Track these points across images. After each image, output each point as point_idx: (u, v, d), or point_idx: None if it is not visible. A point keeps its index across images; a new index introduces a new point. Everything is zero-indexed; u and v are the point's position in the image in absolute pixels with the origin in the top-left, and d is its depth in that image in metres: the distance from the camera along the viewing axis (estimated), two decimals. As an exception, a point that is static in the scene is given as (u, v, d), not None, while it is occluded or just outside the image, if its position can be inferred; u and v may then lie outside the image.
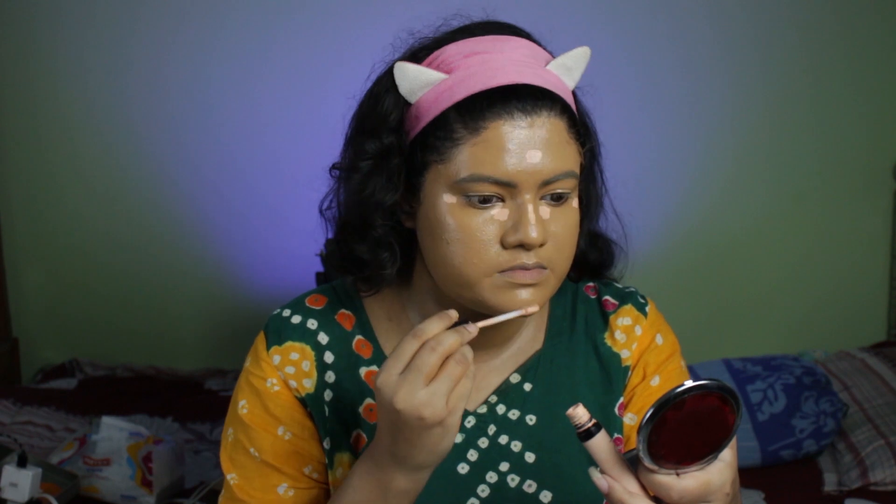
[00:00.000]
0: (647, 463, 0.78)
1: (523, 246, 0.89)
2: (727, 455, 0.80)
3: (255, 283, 3.15)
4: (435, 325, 0.84)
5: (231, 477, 1.01)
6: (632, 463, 0.81)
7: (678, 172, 3.01)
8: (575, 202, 0.93)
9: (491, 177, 0.88)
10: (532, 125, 0.88)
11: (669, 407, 0.76)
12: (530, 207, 0.89)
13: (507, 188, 0.89)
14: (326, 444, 1.01)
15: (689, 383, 0.75)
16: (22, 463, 1.87)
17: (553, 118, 0.89)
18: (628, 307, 1.07)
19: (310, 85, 2.98)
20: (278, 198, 3.06)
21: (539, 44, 0.96)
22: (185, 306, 3.23)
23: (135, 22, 3.05)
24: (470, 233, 0.89)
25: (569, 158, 0.91)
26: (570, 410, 0.81)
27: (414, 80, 0.91)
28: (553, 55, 0.95)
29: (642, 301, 1.09)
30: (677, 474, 0.79)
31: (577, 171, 0.93)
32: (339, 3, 2.98)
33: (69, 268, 3.25)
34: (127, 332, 3.22)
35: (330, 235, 1.03)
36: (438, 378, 0.82)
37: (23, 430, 2.54)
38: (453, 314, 0.85)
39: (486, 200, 0.89)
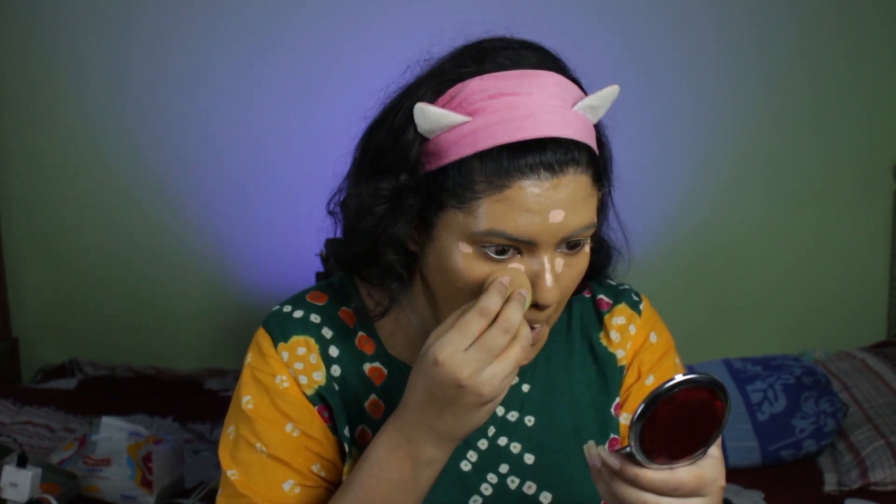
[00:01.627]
0: (640, 459, 0.78)
1: (537, 305, 0.88)
2: (715, 451, 0.81)
3: (254, 283, 3.15)
4: (497, 300, 0.84)
5: (231, 473, 0.99)
6: (625, 459, 0.81)
7: (678, 173, 3.01)
8: (587, 246, 0.92)
9: (511, 234, 0.86)
10: (557, 185, 0.85)
11: (660, 402, 0.76)
12: (548, 267, 0.87)
13: (525, 244, 0.87)
14: (347, 432, 1.00)
15: (679, 377, 0.76)
16: (22, 463, 1.87)
17: (579, 174, 0.87)
18: (622, 306, 1.07)
19: (308, 87, 2.99)
20: (278, 197, 3.06)
21: (565, 71, 0.92)
22: (185, 306, 3.23)
23: (134, 26, 3.05)
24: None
25: (591, 212, 0.89)
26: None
27: (434, 122, 0.88)
28: (579, 82, 0.92)
29: (636, 299, 1.08)
30: (671, 469, 0.79)
31: (596, 218, 0.91)
32: (337, 13, 2.98)
33: (69, 268, 3.25)
34: (127, 333, 3.22)
35: (330, 235, 1.03)
36: (504, 359, 0.83)
37: (23, 430, 2.54)
38: (506, 280, 0.86)
39: (502, 252, 0.87)
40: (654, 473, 0.79)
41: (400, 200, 0.91)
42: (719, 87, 2.97)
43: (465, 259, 0.88)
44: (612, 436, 1.04)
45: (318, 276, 2.73)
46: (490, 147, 0.85)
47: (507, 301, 0.85)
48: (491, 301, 0.84)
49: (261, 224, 3.12)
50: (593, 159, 0.89)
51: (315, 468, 0.99)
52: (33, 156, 3.20)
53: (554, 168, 0.85)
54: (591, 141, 0.89)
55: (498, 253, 0.87)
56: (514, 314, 0.83)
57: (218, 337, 3.21)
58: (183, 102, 3.09)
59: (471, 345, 0.83)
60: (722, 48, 2.95)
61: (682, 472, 0.79)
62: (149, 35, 3.05)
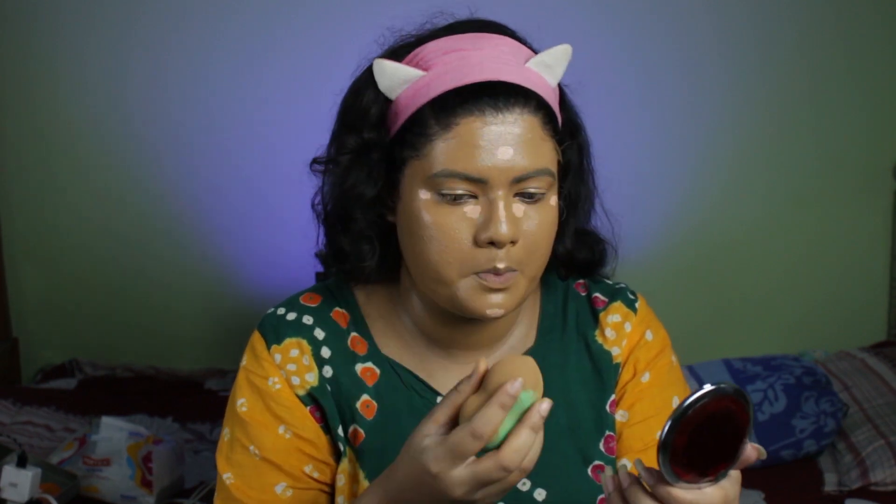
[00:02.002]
0: (669, 478, 0.78)
1: (494, 243, 0.90)
2: (733, 471, 0.81)
3: (254, 283, 3.15)
4: (494, 423, 0.76)
5: (227, 476, 1.00)
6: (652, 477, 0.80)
7: (678, 172, 3.01)
8: (553, 200, 0.94)
9: (462, 172, 0.89)
10: (503, 122, 0.89)
11: (690, 416, 0.75)
12: (501, 204, 0.89)
13: (478, 184, 0.89)
14: (341, 432, 1.01)
15: (707, 387, 0.75)
16: (22, 463, 1.87)
17: (526, 115, 0.90)
18: (618, 304, 1.07)
19: (309, 86, 2.97)
20: (278, 197, 3.06)
21: (523, 41, 0.96)
22: (185, 306, 3.23)
23: (134, 22, 3.05)
24: (444, 230, 0.90)
25: (543, 156, 0.91)
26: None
27: (392, 76, 0.93)
28: (537, 52, 0.95)
29: (632, 297, 1.09)
30: (699, 488, 0.79)
31: (554, 168, 0.93)
32: (337, 12, 2.98)
33: (69, 268, 3.25)
34: (127, 333, 3.22)
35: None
36: (489, 488, 0.79)
37: (23, 430, 2.54)
38: (513, 390, 0.76)
39: (458, 197, 0.90)
40: (685, 493, 0.78)
41: (363, 155, 0.95)
42: (719, 87, 2.97)
43: (425, 205, 0.91)
44: (607, 433, 1.04)
45: (318, 276, 2.73)
46: (440, 93, 0.89)
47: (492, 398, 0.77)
48: (487, 426, 0.76)
49: (261, 224, 3.12)
50: (545, 108, 0.92)
51: (307, 469, 1.00)
52: (33, 156, 3.20)
53: (499, 105, 0.89)
54: (542, 92, 0.92)
55: (455, 198, 0.90)
56: (517, 454, 0.76)
57: (218, 337, 3.21)
58: (183, 102, 3.09)
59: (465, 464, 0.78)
60: (722, 48, 2.95)
61: (710, 491, 0.79)
62: (149, 35, 3.05)
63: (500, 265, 0.90)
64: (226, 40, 3.02)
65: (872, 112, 2.99)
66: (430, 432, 0.81)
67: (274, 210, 3.08)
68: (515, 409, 0.76)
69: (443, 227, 0.90)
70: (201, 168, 3.12)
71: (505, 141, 0.89)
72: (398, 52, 0.96)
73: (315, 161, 1.01)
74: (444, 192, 0.90)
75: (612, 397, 1.05)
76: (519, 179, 0.90)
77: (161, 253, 3.18)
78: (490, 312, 0.92)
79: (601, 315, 1.07)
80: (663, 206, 2.99)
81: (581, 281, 1.09)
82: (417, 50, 0.94)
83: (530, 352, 1.04)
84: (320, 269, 2.86)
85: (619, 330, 1.06)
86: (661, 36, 2.95)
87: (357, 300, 1.05)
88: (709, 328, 3.03)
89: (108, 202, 3.18)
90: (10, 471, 1.85)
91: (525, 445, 0.76)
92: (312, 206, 1.03)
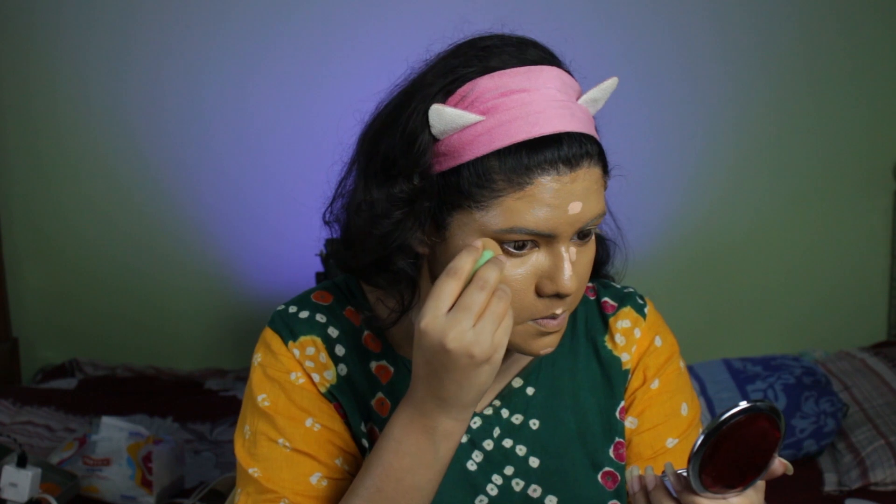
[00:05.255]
0: (696, 487, 0.79)
1: (558, 295, 0.89)
2: (759, 482, 0.82)
3: (254, 284, 3.16)
4: (467, 261, 0.84)
5: (253, 471, 0.98)
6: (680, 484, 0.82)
7: (678, 172, 3.02)
8: (595, 233, 0.93)
9: (532, 229, 0.86)
10: (575, 179, 0.87)
11: (723, 431, 0.76)
12: (566, 257, 0.88)
13: (544, 237, 0.88)
14: (364, 428, 1.00)
15: (743, 404, 0.77)
16: (22, 463, 1.87)
17: (592, 167, 0.88)
18: (627, 309, 1.07)
19: (308, 86, 2.99)
20: (278, 197, 3.06)
21: (561, 63, 0.93)
22: (186, 306, 3.23)
23: (134, 26, 3.05)
24: (505, 282, 0.88)
25: (602, 200, 0.90)
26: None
27: (450, 123, 0.87)
28: (571, 73, 0.93)
29: (641, 302, 1.08)
30: (724, 499, 0.80)
31: (605, 207, 0.92)
32: (335, 13, 2.98)
33: (69, 268, 3.25)
34: (127, 333, 3.22)
35: (329, 236, 1.03)
36: (484, 316, 0.82)
37: (23, 430, 2.54)
38: (478, 244, 0.85)
39: (521, 247, 0.88)
40: (711, 502, 0.80)
41: (415, 204, 0.90)
42: (719, 87, 2.97)
43: None
44: (616, 439, 1.04)
45: (318, 276, 2.73)
46: (507, 145, 0.86)
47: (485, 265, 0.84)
48: (460, 262, 0.84)
49: (261, 224, 3.12)
50: (601, 151, 0.90)
51: (338, 461, 0.99)
52: (33, 156, 3.20)
53: (571, 162, 0.86)
54: (595, 133, 0.90)
55: (517, 248, 0.88)
56: (489, 272, 0.83)
57: (218, 337, 3.21)
58: (183, 102, 3.09)
59: (450, 308, 0.83)
60: (722, 48, 2.96)
61: (735, 501, 0.80)
62: (149, 35, 3.05)
63: (559, 311, 0.90)
64: (226, 42, 3.02)
65: (872, 112, 2.99)
66: (440, 310, 0.83)
67: (273, 210, 3.08)
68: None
69: (505, 279, 0.88)
70: (201, 169, 3.12)
71: (575, 196, 0.87)
72: (450, 89, 0.89)
73: (356, 211, 0.95)
74: (507, 244, 0.88)
75: (622, 404, 1.05)
76: (582, 228, 0.89)
77: (161, 252, 3.18)
78: (544, 352, 0.93)
79: (611, 320, 1.07)
80: (663, 206, 2.99)
81: (590, 285, 1.09)
82: (469, 86, 0.88)
83: (540, 357, 1.04)
84: (320, 269, 2.87)
85: (628, 336, 1.06)
86: (661, 36, 2.95)
87: (368, 299, 1.04)
88: (709, 328, 3.04)
89: (108, 203, 3.18)
90: (10, 471, 1.85)
91: (492, 270, 0.83)
92: (325, 221, 1.00)
